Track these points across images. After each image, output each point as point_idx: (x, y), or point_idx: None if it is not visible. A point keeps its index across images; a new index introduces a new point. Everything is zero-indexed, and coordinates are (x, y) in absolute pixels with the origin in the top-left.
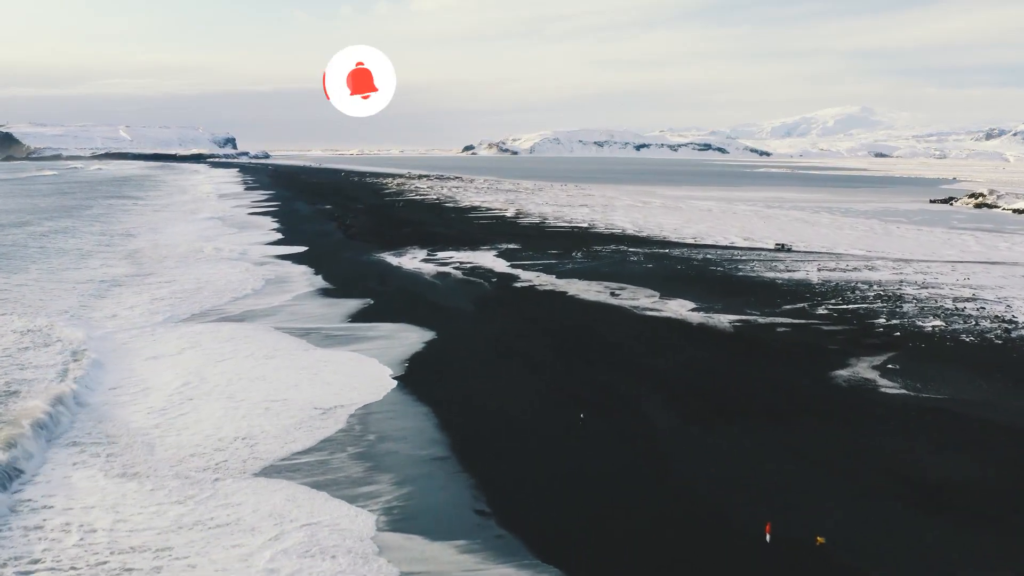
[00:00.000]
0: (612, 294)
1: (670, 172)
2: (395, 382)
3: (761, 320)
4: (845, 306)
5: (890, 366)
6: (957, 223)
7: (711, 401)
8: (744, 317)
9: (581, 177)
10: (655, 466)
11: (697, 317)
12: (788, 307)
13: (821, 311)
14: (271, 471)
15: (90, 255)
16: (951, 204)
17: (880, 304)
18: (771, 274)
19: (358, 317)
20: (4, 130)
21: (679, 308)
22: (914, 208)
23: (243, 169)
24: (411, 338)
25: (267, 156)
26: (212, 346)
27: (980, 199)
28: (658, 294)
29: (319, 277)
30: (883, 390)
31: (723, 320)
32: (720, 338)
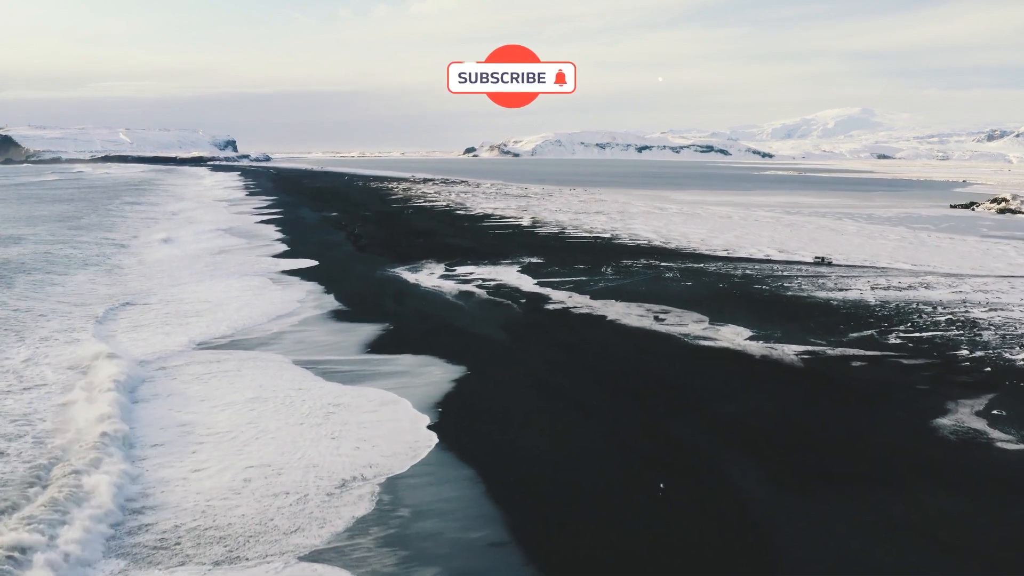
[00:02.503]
0: (656, 319)
1: (676, 175)
2: (427, 434)
3: (830, 352)
4: (918, 334)
5: (995, 412)
6: (987, 231)
7: (804, 460)
8: (810, 348)
9: (587, 181)
10: (760, 557)
11: (757, 348)
12: (854, 335)
13: (893, 340)
14: (287, 560)
15: (81, 270)
16: (973, 209)
17: (955, 332)
18: (822, 294)
19: (375, 347)
20: (3, 133)
21: (734, 336)
22: (937, 214)
23: (245, 173)
24: (437, 374)
25: (268, 159)
26: (210, 387)
27: (1003, 204)
28: (707, 319)
29: (330, 297)
30: (999, 445)
31: (787, 352)
32: (790, 375)
